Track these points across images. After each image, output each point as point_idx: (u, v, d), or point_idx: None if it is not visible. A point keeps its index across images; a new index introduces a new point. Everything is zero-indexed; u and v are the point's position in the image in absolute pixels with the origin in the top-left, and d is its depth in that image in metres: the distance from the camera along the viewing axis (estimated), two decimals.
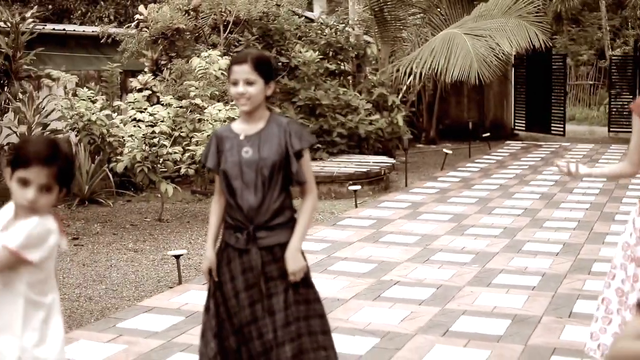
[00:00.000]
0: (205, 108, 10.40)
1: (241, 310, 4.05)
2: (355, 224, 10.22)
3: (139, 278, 7.76)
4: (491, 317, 6.42)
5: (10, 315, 3.00)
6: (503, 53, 15.40)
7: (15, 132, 9.77)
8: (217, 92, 11.44)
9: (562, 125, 20.87)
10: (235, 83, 4.06)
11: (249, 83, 4.02)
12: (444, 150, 15.61)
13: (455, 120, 20.94)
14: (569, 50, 31.04)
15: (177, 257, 7.48)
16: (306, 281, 4.14)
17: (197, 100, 10.60)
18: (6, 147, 10.34)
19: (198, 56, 11.84)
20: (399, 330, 6.12)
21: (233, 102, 10.97)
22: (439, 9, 17.48)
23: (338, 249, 8.81)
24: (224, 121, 10.33)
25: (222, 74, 11.50)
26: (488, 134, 19.15)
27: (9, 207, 3.08)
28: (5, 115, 10.13)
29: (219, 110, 10.28)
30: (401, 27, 17.12)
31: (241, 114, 4.16)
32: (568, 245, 8.97)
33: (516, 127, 22.02)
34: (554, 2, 29.69)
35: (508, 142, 20.35)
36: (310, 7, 21.89)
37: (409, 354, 5.61)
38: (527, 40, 15.78)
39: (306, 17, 17.47)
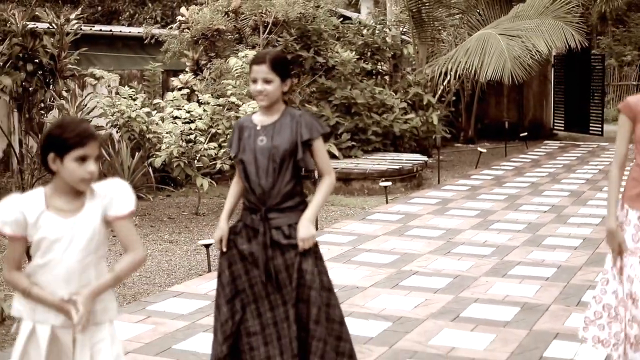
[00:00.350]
0: (241, 106, 10.80)
1: (254, 285, 4.44)
2: (384, 218, 10.56)
3: (171, 266, 8.17)
4: (501, 304, 6.72)
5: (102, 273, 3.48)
6: (539, 53, 15.58)
7: (43, 135, 10.23)
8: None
9: (600, 125, 20.97)
10: (254, 81, 4.46)
11: (266, 81, 4.42)
12: (479, 149, 15.87)
13: (495, 120, 21.13)
14: (614, 50, 31.00)
15: (207, 246, 7.88)
16: (315, 257, 4.50)
17: (233, 99, 11.01)
18: None
19: (236, 56, 12.25)
20: (411, 315, 6.46)
21: None
22: (477, 10, 17.74)
23: (364, 241, 9.14)
24: None
25: None
26: (525, 134, 19.32)
27: (33, 196, 3.44)
28: (50, 112, 10.64)
29: (253, 108, 10.67)
30: (439, 28, 17.40)
31: (260, 107, 4.56)
32: (588, 240, 9.22)
33: (555, 127, 22.16)
34: (598, 2, 29.66)
35: (546, 141, 20.51)
36: (357, 8, 22.25)
37: (417, 336, 5.94)
38: (563, 41, 15.98)
39: (345, 17, 17.82)
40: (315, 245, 4.51)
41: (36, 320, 3.42)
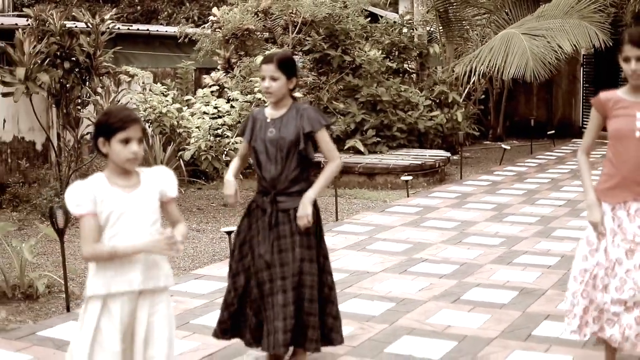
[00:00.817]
0: (267, 102, 11.28)
1: (259, 258, 5.00)
2: (403, 210, 10.99)
3: (196, 252, 8.69)
4: (501, 289, 7.14)
5: None
6: (564, 52, 15.87)
7: (93, 123, 10.81)
8: None
9: None
10: (263, 78, 5.02)
11: (273, 79, 4.97)
12: (503, 146, 16.23)
13: (524, 118, 21.40)
14: None
15: (229, 233, 8.36)
16: (314, 236, 5.02)
17: (259, 95, 11.51)
18: (87, 136, 11.42)
19: (263, 55, 12.74)
20: (415, 297, 6.91)
21: None
22: (505, 10, 18.07)
23: (380, 231, 9.60)
24: None
25: None
26: (553, 132, 19.61)
27: (96, 179, 3.93)
28: (86, 107, 11.19)
29: None
30: (466, 27, 17.77)
31: (269, 102, 5.10)
32: None
33: (584, 125, 22.38)
34: (632, 2, 29.76)
35: (574, 140, 20.76)
36: (396, 7, 22.64)
37: (416, 315, 6.39)
38: (587, 40, 16.26)
39: (378, 16, 18.25)
40: (317, 224, 5.03)
41: (112, 292, 3.86)
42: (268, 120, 5.09)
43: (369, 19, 17.34)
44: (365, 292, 7.02)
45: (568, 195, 12.20)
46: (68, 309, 6.61)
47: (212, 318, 6.28)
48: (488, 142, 19.96)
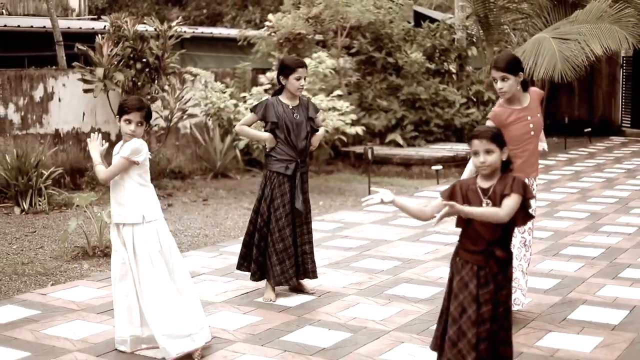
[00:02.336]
0: (311, 99, 12.84)
1: (289, 214, 6.77)
2: (430, 195, 12.45)
3: (245, 224, 10.24)
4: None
5: (130, 193, 5.52)
6: (595, 55, 17.08)
7: (161, 116, 12.52)
8: (323, 87, 13.90)
9: None
10: (298, 79, 6.72)
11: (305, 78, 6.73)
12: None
13: (565, 117, 22.62)
14: None
15: None
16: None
17: (305, 93, 13.05)
18: (155, 128, 13.12)
19: (310, 57, 14.30)
20: (420, 258, 8.39)
21: (333, 94, 13.46)
22: (543, 15, 19.32)
23: None
24: (328, 109, 12.88)
25: (330, 72, 13.99)
26: (589, 129, 20.79)
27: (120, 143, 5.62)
28: (154, 102, 12.85)
29: (321, 101, 12.75)
30: (506, 31, 19.08)
31: (290, 95, 6.72)
32: (595, 215, 10.92)
33: (623, 124, 23.51)
34: None
35: (612, 137, 21.92)
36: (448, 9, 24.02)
37: (416, 270, 7.87)
38: (617, 43, 17.46)
39: (431, 19, 19.66)
40: None
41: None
42: (290, 107, 6.91)
43: (412, 23, 18.76)
44: (379, 254, 8.53)
45: (582, 185, 13.50)
46: None
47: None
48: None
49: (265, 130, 6.88)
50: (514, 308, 6.11)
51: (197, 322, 5.53)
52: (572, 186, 13.41)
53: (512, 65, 6.11)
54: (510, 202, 4.34)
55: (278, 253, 6.80)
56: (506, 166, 4.48)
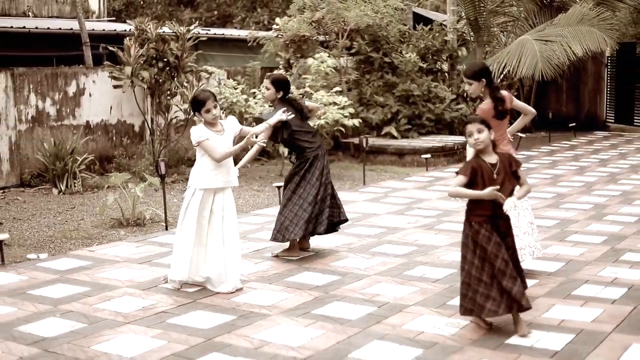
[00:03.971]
0: (313, 94, 14.49)
1: (322, 186, 8.41)
2: (418, 179, 14.06)
3: (255, 202, 11.93)
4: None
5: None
6: (575, 55, 18.63)
7: (180, 109, 14.17)
8: (325, 84, 15.55)
9: None
10: (266, 88, 8.35)
11: (268, 89, 8.27)
12: (518, 134, 19.01)
13: (554, 113, 24.19)
14: None
15: (279, 187, 11.53)
16: None
17: (307, 89, 14.69)
18: (174, 120, 14.76)
19: (314, 58, 15.94)
20: (402, 226, 10.01)
21: (333, 90, 15.09)
22: (530, 18, 20.91)
23: (395, 192, 12.69)
24: (329, 104, 14.51)
25: (330, 70, 15.63)
26: (574, 124, 22.36)
27: (200, 129, 7.18)
28: (174, 97, 14.50)
29: (322, 96, 14.40)
30: (495, 33, 20.68)
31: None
32: (559, 195, 12.51)
33: (607, 120, 25.10)
34: None
35: (596, 132, 23.50)
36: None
37: (398, 235, 9.49)
38: (597, 45, 19.01)
39: (426, 19, 21.26)
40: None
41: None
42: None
43: (407, 26, 20.36)
44: (368, 224, 10.16)
45: (558, 172, 15.08)
46: (167, 229, 9.88)
47: (263, 234, 9.50)
48: (519, 134, 22.73)
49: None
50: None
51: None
52: (547, 173, 14.99)
53: (476, 73, 7.63)
54: (523, 175, 6.17)
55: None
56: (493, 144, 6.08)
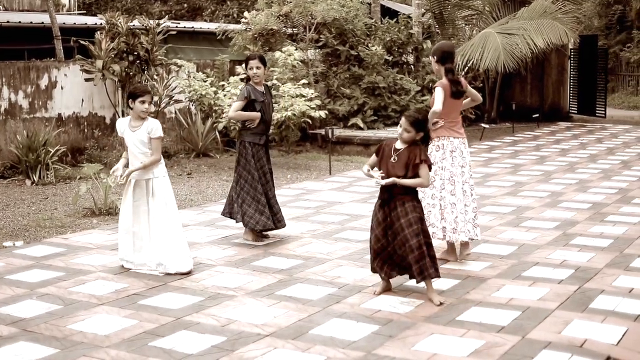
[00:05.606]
0: (280, 86, 14.86)
1: (268, 170, 8.74)
2: None
3: (222, 191, 12.26)
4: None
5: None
6: (537, 47, 19.13)
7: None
8: (292, 76, 15.92)
9: (603, 109, 24.50)
10: (251, 68, 8.55)
11: (258, 68, 8.52)
12: (482, 125, 19.59)
13: (518, 104, 24.73)
14: None
15: None
16: None
17: (275, 81, 15.06)
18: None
19: (281, 51, 16.31)
20: (364, 214, 10.39)
21: (300, 82, 15.46)
22: (494, 11, 21.40)
23: (359, 182, 13.11)
24: (296, 96, 14.89)
25: (297, 63, 16.01)
26: (537, 115, 22.89)
27: (123, 120, 7.56)
28: None
29: (289, 88, 14.78)
30: (460, 25, 21.15)
31: (255, 82, 8.66)
32: (519, 184, 12.98)
33: (571, 111, 25.68)
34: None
35: (559, 122, 24.05)
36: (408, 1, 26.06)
37: (360, 222, 9.89)
38: (558, 38, 19.53)
39: (394, 11, 21.69)
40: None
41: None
42: (262, 91, 8.82)
43: (373, 19, 20.76)
44: (332, 212, 10.57)
45: (519, 162, 15.56)
46: None
47: (230, 222, 9.89)
48: (484, 124, 23.25)
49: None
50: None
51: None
52: (508, 162, 15.47)
53: (435, 52, 8.23)
54: (424, 173, 6.76)
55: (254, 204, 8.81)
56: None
